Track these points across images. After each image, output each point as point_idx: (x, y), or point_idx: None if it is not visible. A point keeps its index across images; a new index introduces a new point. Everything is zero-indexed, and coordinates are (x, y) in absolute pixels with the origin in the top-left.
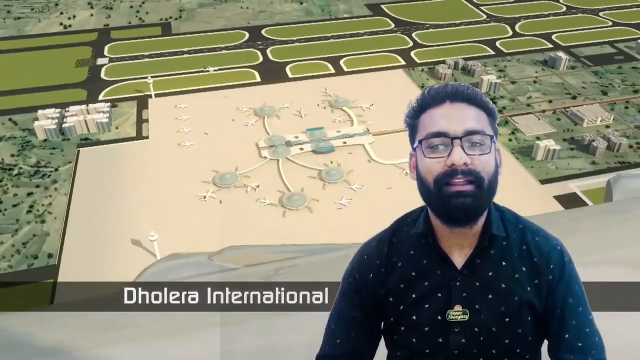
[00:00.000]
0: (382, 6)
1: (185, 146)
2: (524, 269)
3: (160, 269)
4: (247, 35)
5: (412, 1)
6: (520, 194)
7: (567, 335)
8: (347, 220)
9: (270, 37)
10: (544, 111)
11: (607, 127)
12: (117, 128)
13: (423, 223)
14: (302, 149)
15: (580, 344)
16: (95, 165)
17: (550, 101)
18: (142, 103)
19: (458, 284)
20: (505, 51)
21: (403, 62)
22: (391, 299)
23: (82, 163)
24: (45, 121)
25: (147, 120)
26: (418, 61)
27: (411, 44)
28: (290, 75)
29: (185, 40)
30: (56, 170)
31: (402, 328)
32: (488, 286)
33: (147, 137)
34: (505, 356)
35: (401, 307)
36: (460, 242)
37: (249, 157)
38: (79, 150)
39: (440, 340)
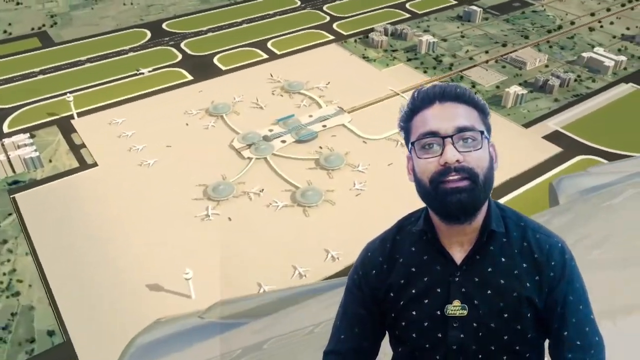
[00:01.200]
0: None
1: (148, 165)
2: (524, 265)
3: (150, 342)
4: (149, 32)
5: None
6: (514, 142)
7: (566, 333)
8: (371, 204)
9: (177, 31)
10: (487, 61)
11: (546, 66)
12: (50, 161)
13: (423, 220)
14: (284, 141)
15: (579, 343)
16: (46, 211)
17: (486, 52)
18: (65, 126)
19: (457, 279)
20: (419, 12)
21: (331, 37)
22: (392, 295)
23: (27, 212)
24: None
25: (83, 145)
26: (345, 33)
27: (328, 18)
28: (222, 68)
29: (79, 47)
30: None
31: (403, 323)
32: (487, 282)
33: (95, 165)
34: (505, 354)
35: (401, 302)
36: (460, 239)
37: (231, 161)
38: (14, 198)
39: (440, 335)
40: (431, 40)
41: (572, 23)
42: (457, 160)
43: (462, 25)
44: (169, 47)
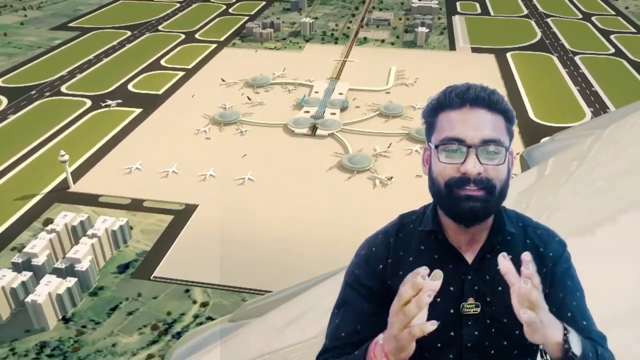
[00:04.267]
0: (73, 24)
1: (252, 180)
2: None
3: (186, 350)
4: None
5: (96, 11)
6: (465, 60)
7: (570, 314)
8: None
9: (33, 84)
10: (362, 26)
11: (400, 19)
12: (132, 228)
13: (432, 220)
14: (333, 113)
15: (584, 322)
16: (223, 266)
17: (350, 21)
18: (69, 197)
19: (470, 277)
20: (252, 14)
21: (213, 45)
22: None
23: (204, 275)
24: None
25: (140, 201)
26: (221, 39)
27: (183, 35)
28: (157, 92)
29: None
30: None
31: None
32: (498, 279)
33: (194, 206)
34: (515, 348)
35: None
36: (469, 238)
37: (315, 143)
38: (157, 277)
39: (453, 333)
40: (309, 21)
41: None
42: (478, 173)
43: (301, 12)
44: (57, 97)
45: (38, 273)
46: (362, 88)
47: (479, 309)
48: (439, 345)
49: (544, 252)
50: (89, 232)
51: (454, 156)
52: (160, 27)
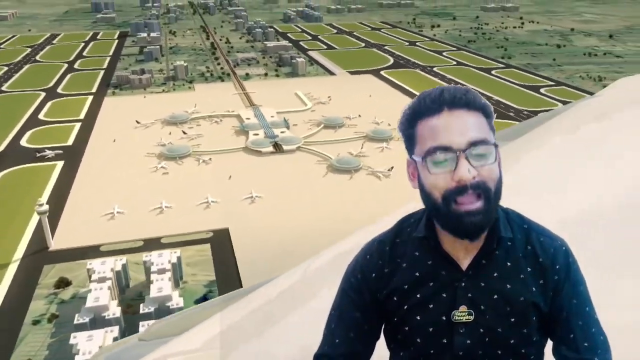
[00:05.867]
0: None
1: (260, 197)
2: (529, 269)
3: None
4: None
5: None
6: (345, 82)
7: (572, 335)
8: None
9: None
10: (234, 66)
11: (263, 57)
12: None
13: (425, 227)
14: (283, 131)
15: (586, 344)
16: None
17: (218, 64)
18: (59, 256)
19: (463, 284)
20: (105, 67)
21: (90, 95)
22: (395, 299)
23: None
24: None
25: (157, 240)
26: (94, 90)
27: (43, 93)
28: (66, 144)
29: None
30: None
31: (407, 328)
32: (493, 287)
33: (222, 229)
34: (510, 356)
35: (405, 307)
36: (465, 245)
37: (287, 157)
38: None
39: (445, 341)
40: (185, 65)
41: (223, 41)
42: (473, 177)
43: (159, 61)
44: None
45: (120, 327)
46: (289, 110)
47: (472, 317)
48: (432, 351)
49: (543, 263)
50: (154, 268)
51: (443, 165)
52: (3, 88)
